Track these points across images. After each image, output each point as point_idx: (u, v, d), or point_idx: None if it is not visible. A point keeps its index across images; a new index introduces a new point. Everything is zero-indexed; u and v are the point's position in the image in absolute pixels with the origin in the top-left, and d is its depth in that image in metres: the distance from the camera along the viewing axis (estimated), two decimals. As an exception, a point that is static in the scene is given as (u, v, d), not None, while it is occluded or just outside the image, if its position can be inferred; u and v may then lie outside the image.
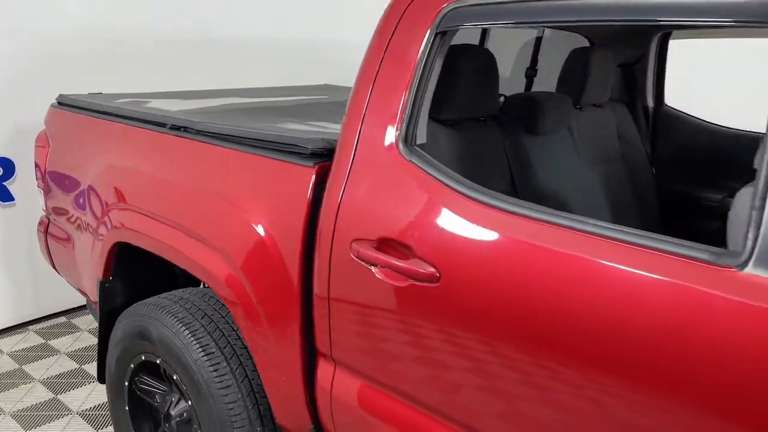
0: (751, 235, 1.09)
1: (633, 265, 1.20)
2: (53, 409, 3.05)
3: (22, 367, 3.42)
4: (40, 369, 3.40)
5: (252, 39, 4.47)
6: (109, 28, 3.81)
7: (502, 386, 1.40)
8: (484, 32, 2.87)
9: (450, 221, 1.48)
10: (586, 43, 2.67)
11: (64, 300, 3.92)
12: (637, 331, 1.17)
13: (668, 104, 2.77)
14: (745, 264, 1.09)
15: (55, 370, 3.40)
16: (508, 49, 2.93)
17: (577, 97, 2.42)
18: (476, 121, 2.04)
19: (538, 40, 2.81)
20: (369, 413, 1.71)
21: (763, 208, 1.08)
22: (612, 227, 1.26)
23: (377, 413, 1.69)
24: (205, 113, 2.52)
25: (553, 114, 2.25)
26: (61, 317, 3.99)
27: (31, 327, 3.87)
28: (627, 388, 1.20)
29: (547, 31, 2.82)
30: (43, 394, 3.17)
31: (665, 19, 1.24)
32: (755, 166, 1.11)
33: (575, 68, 2.40)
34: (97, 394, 3.14)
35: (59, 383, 3.27)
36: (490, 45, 2.88)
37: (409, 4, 1.66)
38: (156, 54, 3.98)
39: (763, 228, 1.08)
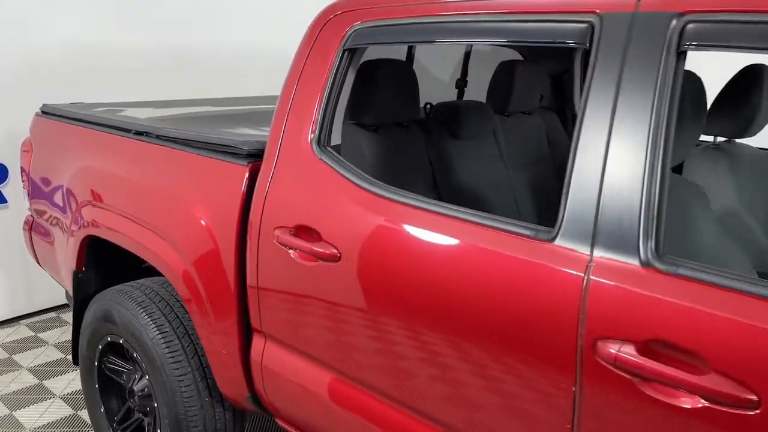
0: (560, 215, 1.35)
1: (477, 240, 1.46)
2: (38, 393, 3.31)
3: (12, 356, 3.70)
4: (28, 358, 3.67)
5: (237, 50, 4.75)
6: (95, 43, 4.10)
7: (390, 347, 1.65)
8: (411, 48, 3.12)
9: (348, 210, 1.74)
10: (518, 57, 2.93)
11: (54, 297, 4.18)
12: (477, 290, 1.43)
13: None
14: (554, 238, 1.35)
15: (42, 359, 3.67)
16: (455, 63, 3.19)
17: (504, 105, 2.68)
18: (399, 126, 2.31)
19: (467, 55, 3.08)
20: (291, 378, 1.97)
21: (567, 194, 1.34)
22: (463, 210, 1.52)
23: (298, 378, 1.95)
24: (169, 120, 2.79)
25: (474, 120, 2.51)
26: (51, 312, 4.26)
27: (23, 321, 4.14)
28: (471, 337, 1.46)
29: (483, 46, 3.08)
30: (29, 380, 3.44)
31: (502, 41, 1.51)
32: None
33: (502, 79, 2.66)
34: (78, 380, 3.41)
35: (45, 371, 3.54)
36: (435, 59, 3.14)
37: (324, 24, 1.93)
38: (139, 66, 4.27)
39: (567, 208, 1.34)
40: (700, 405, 1.14)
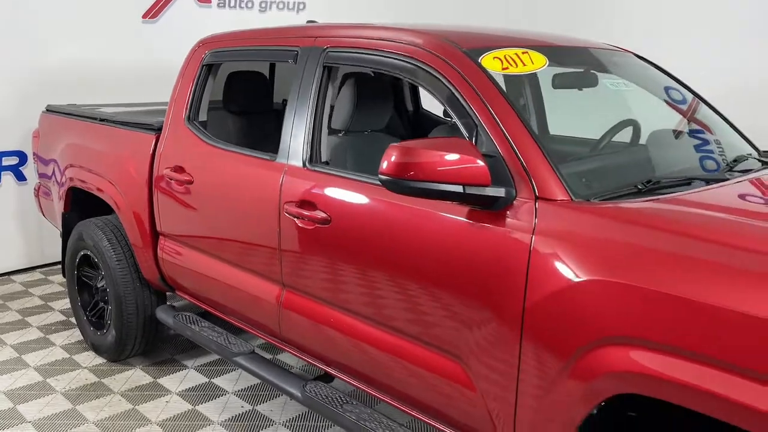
0: (279, 147, 2.71)
1: (248, 163, 2.82)
2: (44, 310, 4.72)
3: (28, 289, 5.13)
4: (38, 291, 5.10)
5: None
6: (94, 61, 5.54)
7: (214, 226, 3.02)
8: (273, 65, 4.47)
9: (197, 154, 3.12)
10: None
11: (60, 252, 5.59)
12: (245, 188, 2.79)
13: (425, 108, 4.35)
14: (275, 158, 2.70)
15: (48, 291, 5.09)
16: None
17: None
18: (257, 113, 3.68)
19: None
20: (175, 260, 3.34)
21: (280, 136, 2.70)
22: (246, 150, 2.89)
23: (180, 259, 3.32)
24: (125, 113, 4.18)
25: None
26: (59, 265, 5.68)
27: (37, 269, 5.58)
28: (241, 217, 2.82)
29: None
30: (38, 302, 4.86)
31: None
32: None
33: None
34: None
35: (51, 296, 4.96)
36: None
37: (194, 52, 3.32)
38: (126, 79, 5.69)
39: (281, 143, 2.69)
40: (315, 226, 2.48)
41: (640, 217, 1.78)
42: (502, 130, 2.02)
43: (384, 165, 1.93)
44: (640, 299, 1.62)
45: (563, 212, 1.86)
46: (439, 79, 2.22)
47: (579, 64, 2.75)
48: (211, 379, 3.72)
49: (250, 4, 6.51)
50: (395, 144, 1.94)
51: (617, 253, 1.71)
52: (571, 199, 1.89)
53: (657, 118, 3.01)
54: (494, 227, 1.95)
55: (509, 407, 1.92)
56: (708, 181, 2.16)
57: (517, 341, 1.87)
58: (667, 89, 2.94)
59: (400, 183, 1.93)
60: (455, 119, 2.15)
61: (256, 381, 3.64)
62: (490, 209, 1.97)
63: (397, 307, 2.25)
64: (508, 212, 1.94)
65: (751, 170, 2.37)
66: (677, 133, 2.75)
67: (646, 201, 1.90)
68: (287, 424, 3.26)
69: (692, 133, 2.77)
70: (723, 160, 2.50)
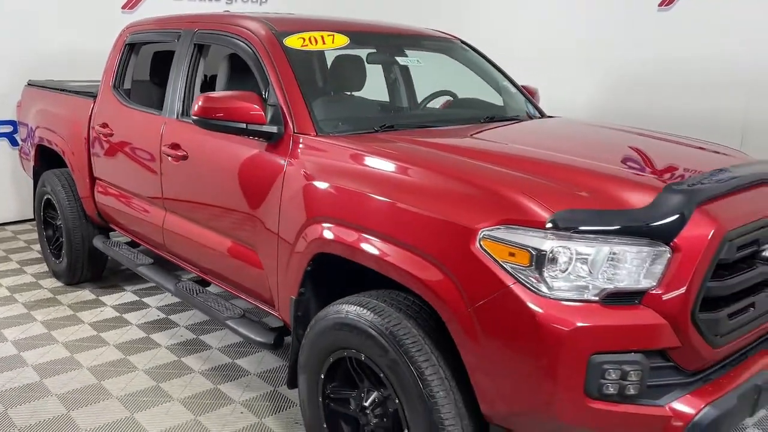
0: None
1: (144, 118, 3.73)
2: (26, 250, 5.71)
3: (16, 235, 6.14)
4: (25, 236, 6.10)
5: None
6: (79, 47, 6.51)
7: (135, 169, 3.93)
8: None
9: (117, 113, 4.04)
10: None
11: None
12: (148, 138, 3.71)
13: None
14: (162, 113, 3.60)
15: (33, 237, 6.06)
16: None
17: None
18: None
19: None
20: (104, 198, 4.27)
21: (161, 99, 3.60)
22: (147, 109, 3.80)
23: (107, 198, 4.25)
24: (86, 86, 5.13)
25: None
26: (47, 218, 6.68)
27: (27, 222, 6.59)
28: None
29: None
30: (23, 245, 5.86)
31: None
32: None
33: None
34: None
35: (34, 241, 5.93)
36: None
37: (121, 33, 4.24)
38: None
39: (165, 99, 3.59)
40: (179, 162, 3.37)
41: (344, 142, 2.64)
42: (282, 88, 2.89)
43: (195, 108, 2.81)
44: (333, 193, 2.48)
45: (305, 141, 2.72)
46: (252, 51, 3.09)
47: (387, 46, 3.60)
48: (142, 298, 4.65)
49: (217, -3, 7.43)
50: (203, 94, 2.82)
51: (324, 165, 2.58)
52: (316, 134, 2.75)
53: (466, 89, 3.85)
54: (271, 154, 2.82)
55: (274, 274, 2.80)
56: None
57: (276, 229, 2.74)
58: (482, 68, 3.78)
59: (205, 121, 2.82)
60: (258, 79, 3.02)
61: (177, 300, 4.56)
62: (270, 142, 2.84)
63: (223, 216, 3.14)
64: (279, 143, 2.81)
65: (497, 123, 3.23)
66: (466, 100, 3.59)
67: (365, 136, 2.76)
68: (190, 327, 4.18)
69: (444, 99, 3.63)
70: (482, 116, 3.34)
